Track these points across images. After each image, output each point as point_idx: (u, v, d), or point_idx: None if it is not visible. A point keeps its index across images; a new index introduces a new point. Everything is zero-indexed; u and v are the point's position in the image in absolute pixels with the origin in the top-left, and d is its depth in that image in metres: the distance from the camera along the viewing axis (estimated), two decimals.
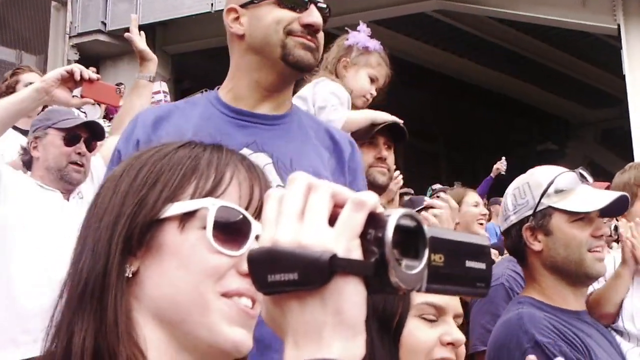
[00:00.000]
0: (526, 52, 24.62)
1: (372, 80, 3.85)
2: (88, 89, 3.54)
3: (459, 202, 5.79)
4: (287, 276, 0.87)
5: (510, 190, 2.93)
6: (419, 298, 1.82)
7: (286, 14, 2.42)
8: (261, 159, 2.43)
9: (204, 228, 1.30)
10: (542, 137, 29.68)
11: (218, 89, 2.67)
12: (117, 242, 1.31)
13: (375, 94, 3.88)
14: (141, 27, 17.28)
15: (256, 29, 2.46)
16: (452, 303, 1.88)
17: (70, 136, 4.14)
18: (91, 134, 4.25)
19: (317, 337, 0.89)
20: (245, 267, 1.28)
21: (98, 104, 4.36)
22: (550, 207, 2.77)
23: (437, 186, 9.28)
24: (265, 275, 0.89)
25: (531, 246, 2.79)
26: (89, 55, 22.02)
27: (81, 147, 4.17)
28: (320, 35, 2.52)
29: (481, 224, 5.80)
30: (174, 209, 1.31)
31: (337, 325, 0.89)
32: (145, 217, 1.32)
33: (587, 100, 28.09)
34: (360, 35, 3.88)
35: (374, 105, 3.92)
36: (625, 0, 17.19)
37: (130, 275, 1.32)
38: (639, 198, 3.59)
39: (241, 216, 1.32)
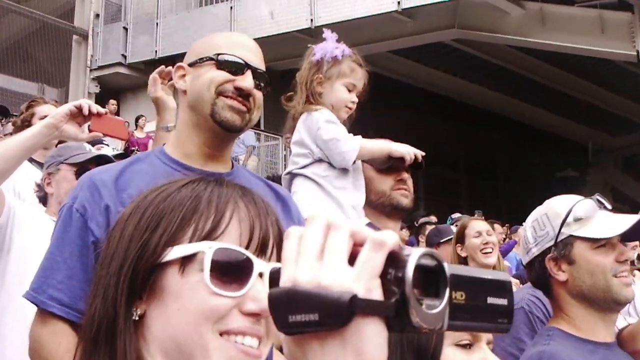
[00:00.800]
0: (545, 79, 24.65)
1: (349, 89, 3.80)
2: (96, 123, 3.57)
3: (463, 235, 5.74)
4: (308, 317, 0.86)
5: (529, 222, 2.90)
6: None
7: (221, 75, 2.59)
8: None
9: (203, 270, 1.30)
10: (562, 164, 29.64)
11: (163, 146, 2.79)
12: (123, 288, 1.32)
13: (356, 100, 3.82)
14: (161, 60, 17.29)
15: (193, 87, 2.63)
16: None
17: (82, 170, 4.15)
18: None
19: None
20: (248, 306, 1.30)
21: (107, 137, 4.35)
22: (571, 235, 2.75)
23: (457, 215, 9.27)
24: (286, 315, 0.88)
25: (556, 276, 2.76)
26: (110, 88, 22.27)
27: None
28: (257, 97, 2.64)
29: (487, 252, 5.67)
30: (173, 253, 1.32)
31: None
32: (147, 261, 1.33)
33: (607, 126, 28.06)
34: (327, 45, 3.80)
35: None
36: None
37: (137, 318, 1.33)
38: None
39: (242, 256, 1.32)
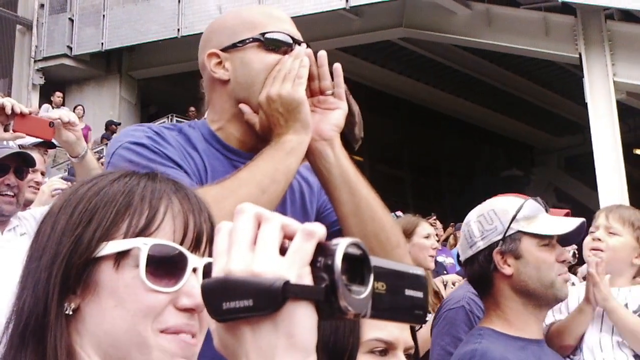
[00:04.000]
0: (491, 79, 24.95)
1: None
2: (20, 123, 3.47)
3: (411, 232, 5.78)
4: (242, 303, 0.90)
5: (473, 217, 2.94)
6: (369, 334, 1.84)
7: (272, 58, 2.27)
8: None
9: (138, 267, 1.29)
10: (507, 164, 30.01)
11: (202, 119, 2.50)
12: (55, 283, 1.31)
13: None
14: (108, 52, 17.14)
15: (240, 75, 2.31)
16: (401, 337, 1.89)
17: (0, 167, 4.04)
18: (22, 162, 4.14)
19: None
20: (183, 301, 1.30)
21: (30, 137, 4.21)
22: (519, 231, 2.81)
23: (399, 214, 9.32)
24: (220, 303, 0.92)
25: (502, 270, 2.82)
26: (55, 79, 21.95)
27: (10, 178, 4.03)
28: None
29: (431, 256, 5.73)
30: (108, 248, 1.31)
31: (289, 348, 0.91)
32: (81, 256, 1.31)
33: (551, 127, 28.50)
34: None
35: None
36: (587, 30, 17.55)
37: (71, 313, 1.32)
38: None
39: (176, 251, 1.32)
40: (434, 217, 10.28)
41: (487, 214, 2.90)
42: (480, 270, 2.89)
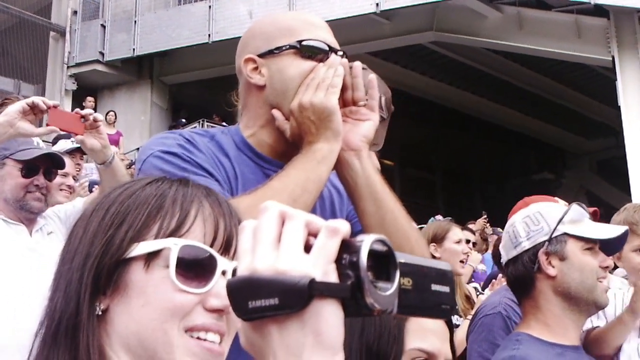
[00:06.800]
0: (522, 83, 24.80)
1: None
2: (53, 118, 3.53)
3: (442, 237, 5.76)
4: (268, 301, 0.90)
5: (519, 218, 2.93)
6: (411, 343, 1.84)
7: (308, 65, 2.28)
8: None
9: (168, 267, 1.31)
10: (538, 167, 29.81)
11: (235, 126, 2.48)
12: (87, 283, 1.33)
13: None
14: (139, 58, 17.24)
15: (276, 81, 2.32)
16: (443, 349, 1.90)
17: (28, 168, 4.05)
18: (51, 163, 4.17)
19: (297, 359, 0.91)
20: (212, 302, 1.32)
21: (63, 132, 4.26)
22: (565, 233, 2.82)
23: (439, 217, 9.28)
24: (246, 301, 0.92)
25: (546, 270, 2.82)
26: (87, 85, 22.14)
27: (39, 178, 4.06)
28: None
29: (462, 261, 5.74)
30: (139, 249, 1.33)
31: (316, 346, 0.91)
32: (112, 257, 1.33)
33: (583, 130, 28.27)
34: None
35: None
36: (619, 32, 17.37)
37: (100, 313, 1.34)
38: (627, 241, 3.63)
39: (206, 253, 1.34)
40: (485, 217, 10.09)
41: (534, 215, 2.90)
42: (524, 271, 2.88)
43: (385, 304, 0.89)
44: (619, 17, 17.41)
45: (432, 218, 9.21)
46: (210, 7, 20.77)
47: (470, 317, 4.64)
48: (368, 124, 2.26)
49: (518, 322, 3.40)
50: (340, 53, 2.34)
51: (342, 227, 0.93)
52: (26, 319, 3.56)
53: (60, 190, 4.80)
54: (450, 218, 8.08)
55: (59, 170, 4.28)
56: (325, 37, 2.36)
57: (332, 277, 0.91)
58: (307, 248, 0.93)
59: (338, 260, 0.91)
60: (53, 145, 6.80)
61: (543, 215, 2.87)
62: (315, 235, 0.94)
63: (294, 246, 0.93)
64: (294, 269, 0.90)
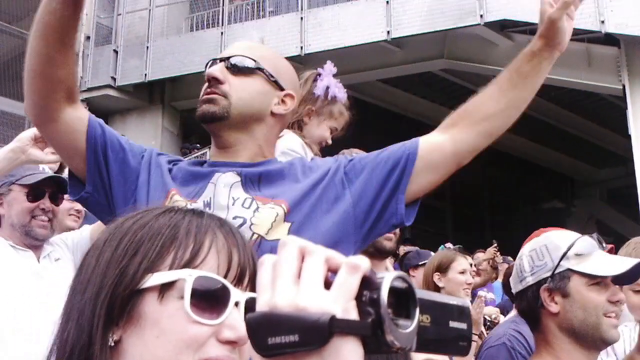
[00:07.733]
0: (532, 111, 24.63)
1: (332, 131, 3.86)
2: None
3: (447, 267, 5.80)
4: (288, 338, 0.90)
5: (526, 251, 2.92)
6: None
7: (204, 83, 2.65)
8: (229, 178, 2.55)
9: (183, 298, 1.31)
10: (548, 196, 29.69)
11: None
12: (100, 314, 1.32)
13: (330, 142, 3.91)
14: (151, 83, 17.33)
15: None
16: None
17: (34, 192, 4.07)
18: (57, 187, 4.19)
19: None
20: (225, 334, 1.32)
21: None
22: (569, 269, 2.78)
23: (449, 245, 9.28)
24: (266, 338, 0.91)
25: (548, 307, 2.79)
26: (99, 110, 22.12)
27: (45, 202, 4.08)
28: (232, 81, 2.58)
29: (465, 289, 5.83)
30: (153, 280, 1.33)
31: None
32: (126, 288, 1.33)
33: (593, 159, 28.16)
34: (331, 81, 3.78)
35: None
36: (630, 60, 17.36)
37: (113, 344, 1.33)
38: None
39: (220, 285, 1.34)
40: (496, 245, 10.05)
41: (540, 249, 2.86)
42: (528, 306, 2.86)
43: (405, 341, 0.89)
44: (629, 46, 17.39)
45: (442, 245, 9.19)
46: (222, 33, 20.87)
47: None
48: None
49: (523, 352, 3.39)
50: (233, 56, 2.60)
51: (363, 263, 0.93)
52: (33, 345, 3.57)
53: (70, 215, 4.82)
54: (460, 246, 8.08)
55: (66, 195, 4.31)
56: (225, 52, 2.68)
57: (353, 314, 0.91)
58: (327, 284, 0.93)
59: (358, 297, 0.91)
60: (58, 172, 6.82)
61: (548, 250, 2.84)
62: (335, 271, 0.94)
63: (314, 282, 0.93)
64: (314, 305, 0.90)
